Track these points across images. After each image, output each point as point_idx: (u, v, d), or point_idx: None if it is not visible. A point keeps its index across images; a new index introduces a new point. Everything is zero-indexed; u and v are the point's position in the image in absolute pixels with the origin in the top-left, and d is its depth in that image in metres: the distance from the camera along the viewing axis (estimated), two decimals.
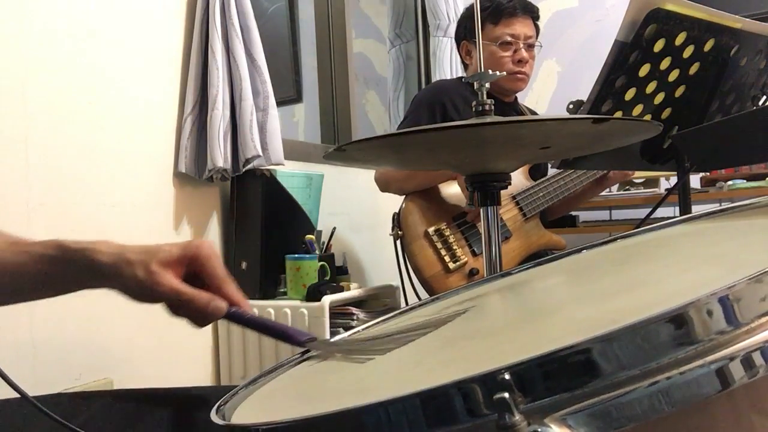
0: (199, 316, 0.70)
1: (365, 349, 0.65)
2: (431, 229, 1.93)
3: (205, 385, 1.98)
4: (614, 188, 2.59)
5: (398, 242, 1.97)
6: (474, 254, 1.94)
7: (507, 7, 2.06)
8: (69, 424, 0.65)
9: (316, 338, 0.70)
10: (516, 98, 2.23)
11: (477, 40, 1.14)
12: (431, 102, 2.02)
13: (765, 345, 0.37)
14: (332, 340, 0.77)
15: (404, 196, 2.02)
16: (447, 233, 1.93)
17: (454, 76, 3.11)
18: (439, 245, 1.92)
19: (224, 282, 0.71)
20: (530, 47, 2.10)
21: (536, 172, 2.11)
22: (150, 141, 1.88)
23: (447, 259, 1.91)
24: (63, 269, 0.69)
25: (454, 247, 1.92)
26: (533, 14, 2.12)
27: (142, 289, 0.68)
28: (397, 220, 1.98)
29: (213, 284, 0.70)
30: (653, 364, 0.36)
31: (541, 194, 2.03)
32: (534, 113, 2.33)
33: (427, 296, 1.94)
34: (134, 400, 0.83)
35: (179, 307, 0.69)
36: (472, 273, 1.91)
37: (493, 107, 1.04)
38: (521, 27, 2.06)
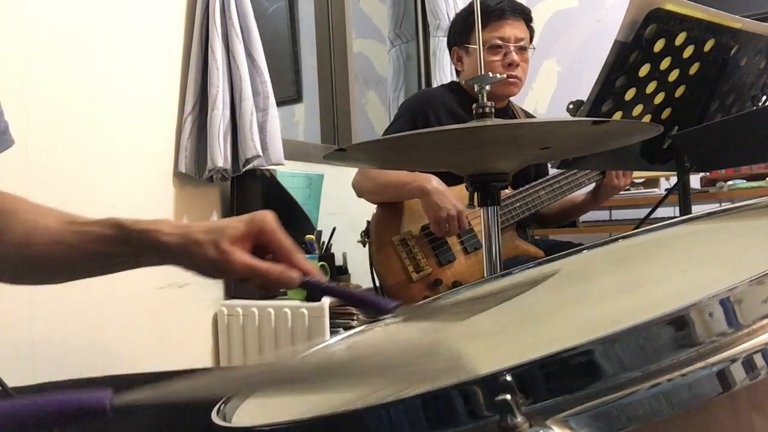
0: (271, 287, 0.70)
1: (455, 312, 0.65)
2: (396, 238, 1.93)
3: None
4: None
5: (367, 249, 1.98)
6: (440, 264, 1.93)
7: (495, 9, 1.99)
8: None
9: (401, 305, 0.69)
10: (509, 102, 2.16)
11: (477, 41, 1.14)
12: (415, 112, 2.00)
13: (766, 347, 0.37)
14: (418, 304, 0.76)
15: (377, 205, 2.03)
16: (412, 243, 1.93)
17: (454, 77, 3.11)
18: (403, 255, 1.92)
19: (293, 252, 0.71)
20: (522, 50, 2.02)
21: (521, 180, 2.08)
22: (150, 141, 1.88)
23: (410, 269, 1.91)
24: (121, 249, 0.69)
25: (418, 257, 1.92)
26: (524, 15, 2.04)
27: (215, 268, 0.68)
28: (367, 228, 1.99)
29: (282, 255, 0.70)
30: (655, 366, 0.36)
31: (518, 204, 1.99)
32: (530, 116, 2.30)
33: None
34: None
35: (251, 280, 0.70)
36: (437, 284, 1.90)
37: (493, 109, 1.03)
38: (511, 29, 1.99)
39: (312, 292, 0.74)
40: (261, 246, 0.70)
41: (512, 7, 2.03)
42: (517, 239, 2.02)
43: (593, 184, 2.06)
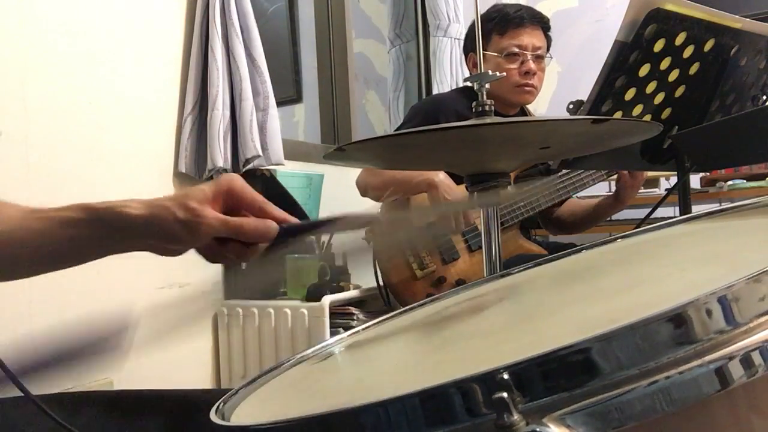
0: (248, 246, 0.67)
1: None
2: None
3: (205, 388, 1.98)
4: (614, 187, 2.57)
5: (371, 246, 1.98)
6: (444, 262, 1.93)
7: (514, 17, 2.00)
8: (70, 427, 0.65)
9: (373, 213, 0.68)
10: (521, 109, 2.14)
11: (477, 45, 1.14)
12: (426, 116, 2.01)
13: (764, 344, 0.37)
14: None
15: (380, 203, 2.03)
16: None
17: (454, 77, 3.11)
18: (407, 252, 1.93)
19: (265, 204, 0.68)
20: (539, 58, 2.01)
21: (524, 181, 2.08)
22: (150, 141, 1.88)
23: (414, 266, 1.91)
24: (90, 231, 0.66)
25: (423, 255, 1.92)
26: (543, 24, 2.04)
27: (187, 229, 0.64)
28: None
29: (254, 210, 0.68)
30: (652, 364, 0.36)
31: (522, 203, 2.00)
32: None
33: (396, 301, 1.96)
34: (134, 400, 0.83)
35: (225, 241, 0.66)
36: (440, 281, 1.91)
37: (493, 107, 1.03)
38: (529, 38, 2.00)
39: (294, 236, 0.71)
40: (231, 208, 0.67)
41: (531, 15, 2.03)
42: (520, 238, 2.03)
43: (598, 185, 2.06)
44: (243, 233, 0.66)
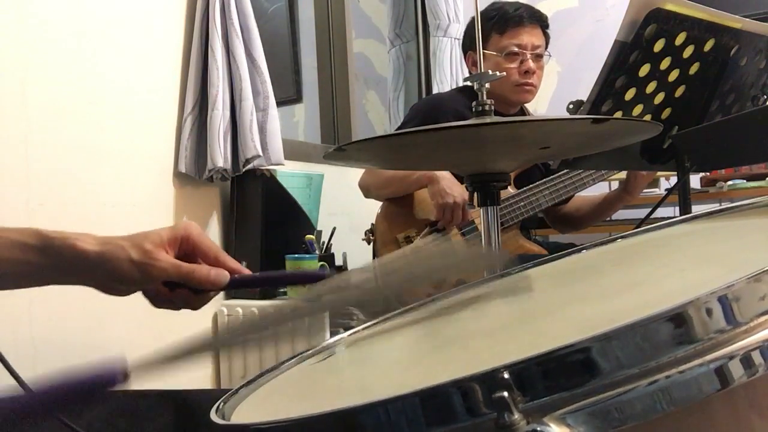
0: (198, 293, 0.68)
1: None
2: (400, 236, 1.94)
3: (204, 388, 1.98)
4: (614, 187, 2.57)
5: (371, 246, 1.99)
6: None
7: (513, 16, 1.99)
8: (75, 426, 0.65)
9: (328, 270, 0.68)
10: (521, 109, 2.14)
11: (477, 45, 1.14)
12: (425, 117, 2.01)
13: (764, 344, 0.37)
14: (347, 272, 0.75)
15: (381, 202, 2.03)
16: (416, 240, 1.94)
17: (454, 77, 3.11)
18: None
19: (220, 254, 0.70)
20: (538, 57, 2.01)
21: (523, 180, 2.08)
22: (150, 141, 1.88)
23: None
24: (40, 259, 0.66)
25: None
26: (542, 22, 2.04)
27: (138, 270, 0.65)
28: (372, 225, 2.00)
29: (209, 258, 0.69)
30: (652, 363, 0.36)
31: (522, 203, 1.99)
32: None
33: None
34: (135, 400, 0.83)
35: (175, 287, 0.67)
36: (440, 281, 1.91)
37: (493, 107, 1.03)
38: (528, 37, 1.99)
39: (244, 287, 0.72)
40: (186, 254, 0.69)
41: (530, 14, 2.02)
42: (521, 238, 2.03)
43: (598, 184, 2.06)
44: (194, 279, 0.67)
